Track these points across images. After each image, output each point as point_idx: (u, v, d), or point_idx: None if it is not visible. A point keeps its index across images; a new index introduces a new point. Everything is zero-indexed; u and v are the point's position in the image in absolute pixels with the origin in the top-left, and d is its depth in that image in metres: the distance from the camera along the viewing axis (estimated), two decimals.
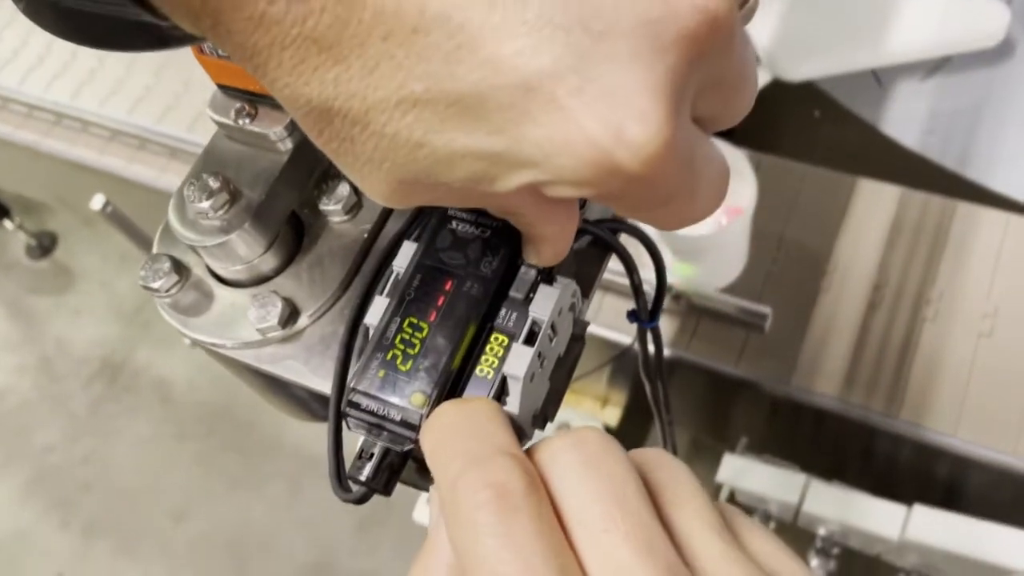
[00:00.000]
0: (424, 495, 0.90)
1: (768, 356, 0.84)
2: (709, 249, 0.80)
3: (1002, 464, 0.77)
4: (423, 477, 0.34)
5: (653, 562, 0.23)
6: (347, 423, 0.31)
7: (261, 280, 0.39)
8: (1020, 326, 0.81)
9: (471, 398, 0.29)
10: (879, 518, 0.64)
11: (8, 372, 1.91)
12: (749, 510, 0.80)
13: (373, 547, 1.59)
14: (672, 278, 0.85)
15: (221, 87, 0.37)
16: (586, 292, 0.37)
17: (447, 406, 0.28)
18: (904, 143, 0.94)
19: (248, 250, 0.37)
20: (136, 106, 1.05)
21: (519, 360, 0.31)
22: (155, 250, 0.40)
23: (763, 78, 1.00)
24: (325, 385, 0.36)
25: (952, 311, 0.83)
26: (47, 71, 1.10)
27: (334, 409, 0.33)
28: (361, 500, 0.32)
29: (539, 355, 0.31)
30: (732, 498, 0.77)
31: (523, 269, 0.32)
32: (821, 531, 0.77)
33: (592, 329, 0.87)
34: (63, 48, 1.13)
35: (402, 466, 0.32)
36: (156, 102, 1.05)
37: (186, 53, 0.36)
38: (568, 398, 1.01)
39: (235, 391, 1.82)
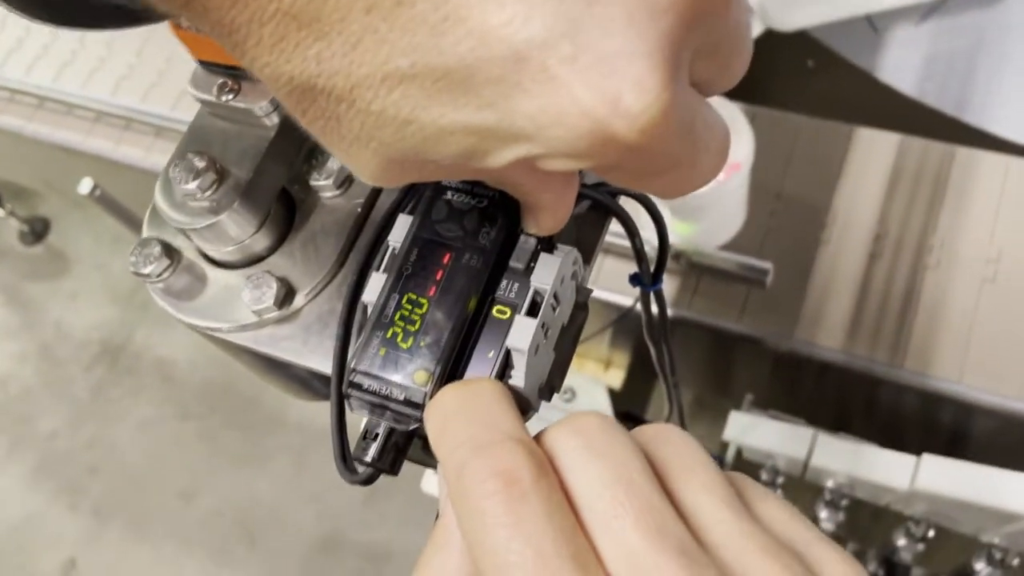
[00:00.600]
0: (430, 469, 0.90)
1: (770, 311, 0.83)
2: (708, 207, 0.79)
3: (1008, 409, 0.77)
4: (430, 455, 0.33)
5: (665, 544, 0.22)
6: (349, 404, 0.31)
7: (254, 260, 0.38)
8: (1023, 270, 0.81)
9: (474, 379, 0.29)
10: (888, 469, 0.64)
11: (9, 359, 1.90)
12: (757, 466, 0.80)
13: (381, 518, 1.59)
14: (672, 237, 0.83)
15: (202, 63, 0.36)
16: (587, 258, 0.36)
17: (448, 390, 0.27)
18: (901, 89, 0.93)
19: (239, 230, 0.36)
20: (119, 86, 1.04)
21: (522, 333, 0.30)
22: (144, 234, 0.39)
23: (756, 29, 0.98)
24: (325, 365, 0.36)
25: (954, 258, 0.82)
26: (27, 54, 1.08)
27: (335, 390, 0.32)
28: (368, 481, 0.32)
29: (543, 326, 0.31)
30: (739, 455, 0.77)
31: (522, 239, 0.31)
32: (829, 483, 0.77)
33: (595, 292, 0.87)
34: (41, 31, 1.10)
35: (408, 445, 0.31)
36: (139, 81, 1.04)
37: (167, 30, 0.35)
38: (572, 361, 1.01)
39: (236, 368, 1.81)
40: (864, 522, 0.83)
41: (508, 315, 0.30)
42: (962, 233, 0.83)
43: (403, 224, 0.32)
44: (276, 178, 0.37)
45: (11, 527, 1.72)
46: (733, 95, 0.88)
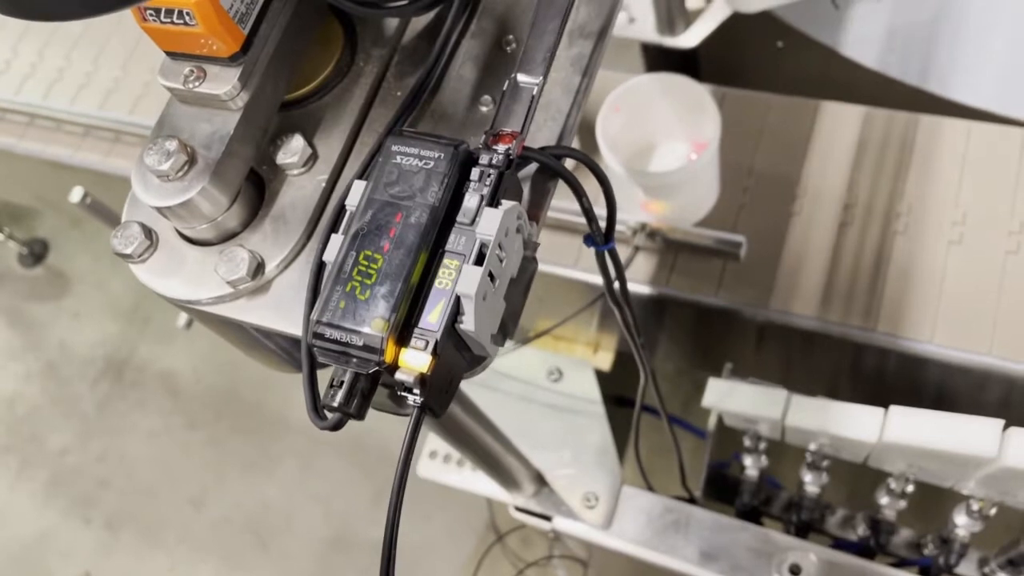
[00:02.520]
0: (426, 453, 0.93)
1: (746, 283, 0.86)
2: (679, 184, 0.82)
3: (980, 365, 0.79)
4: (397, 402, 0.36)
5: None
6: (316, 354, 0.33)
7: (227, 237, 0.40)
8: (988, 230, 0.83)
9: None
10: (859, 423, 0.67)
11: (16, 380, 1.93)
12: (740, 433, 0.82)
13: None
14: (647, 216, 0.86)
15: (169, 54, 0.39)
16: (535, 216, 0.38)
17: None
18: (865, 63, 0.95)
19: (211, 208, 0.39)
20: (107, 99, 1.07)
21: (469, 279, 0.32)
22: (124, 218, 0.41)
23: (723, 12, 1.01)
24: (297, 329, 0.38)
25: (921, 222, 0.85)
26: (15, 74, 1.11)
27: (304, 343, 0.35)
28: (336, 426, 0.34)
29: (489, 274, 0.33)
30: (720, 421, 0.79)
31: (467, 196, 0.34)
32: (811, 446, 0.79)
33: (574, 274, 0.90)
34: (29, 50, 1.13)
35: (372, 391, 0.34)
36: (126, 94, 1.07)
37: (151, 44, 0.38)
38: (560, 345, 1.04)
39: (239, 375, 1.85)
40: (847, 483, 0.85)
41: (457, 265, 0.33)
42: (928, 198, 0.86)
43: (358, 189, 0.35)
44: (244, 157, 0.39)
45: (26, 544, 1.75)
46: (704, 78, 0.91)
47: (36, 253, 2.01)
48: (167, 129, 0.39)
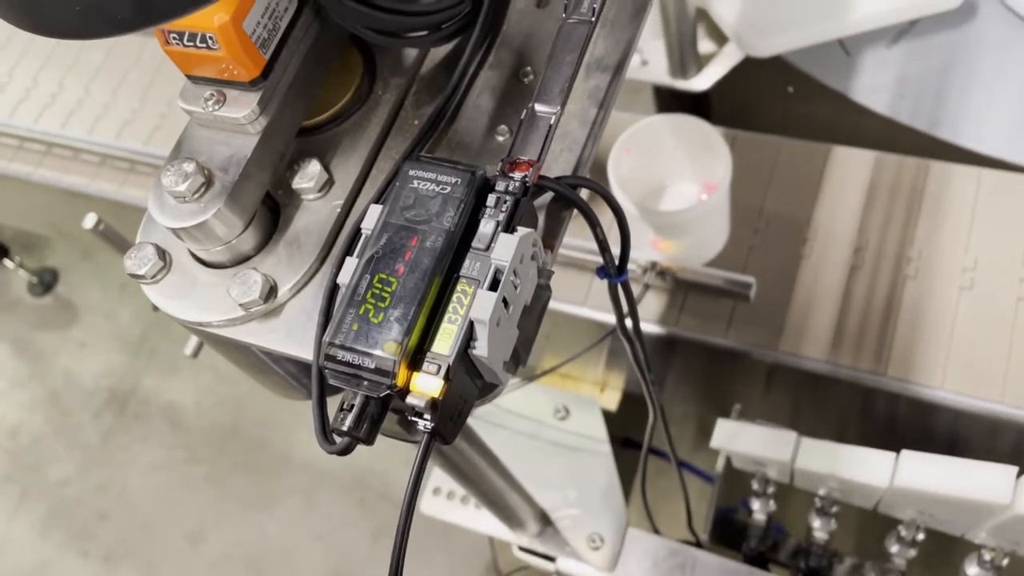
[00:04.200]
0: (430, 490, 0.92)
1: (756, 324, 0.86)
2: (689, 224, 0.82)
3: (992, 413, 0.78)
4: (406, 428, 0.35)
5: None
6: (327, 377, 0.33)
7: (241, 260, 0.41)
8: (999, 276, 0.83)
9: None
10: (869, 467, 0.66)
11: (20, 409, 1.93)
12: (748, 476, 0.81)
13: (389, 555, 1.60)
14: (658, 256, 0.86)
15: (190, 77, 0.39)
16: (550, 245, 0.38)
17: None
18: (875, 109, 0.96)
19: (226, 230, 0.39)
20: (123, 130, 1.08)
21: (484, 305, 0.32)
22: (139, 239, 0.42)
23: (735, 56, 1.02)
24: (308, 354, 0.38)
25: (932, 267, 0.85)
26: (35, 103, 1.13)
27: (315, 366, 0.35)
28: (345, 451, 0.34)
29: (504, 300, 0.33)
30: (728, 464, 0.78)
31: (483, 221, 0.34)
32: (820, 491, 0.78)
33: (583, 311, 0.89)
34: (50, 79, 1.15)
35: (382, 415, 0.33)
36: (143, 125, 1.08)
37: (169, 76, 0.38)
38: (567, 383, 1.03)
39: (243, 410, 1.84)
40: (857, 530, 0.84)
41: (471, 291, 0.33)
42: (939, 243, 0.86)
43: (374, 213, 0.35)
44: (261, 181, 0.40)
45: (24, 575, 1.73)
46: (717, 121, 0.91)
47: (46, 283, 2.02)
48: (185, 151, 0.39)
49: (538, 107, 0.38)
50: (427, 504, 0.89)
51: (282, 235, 0.41)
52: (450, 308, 0.33)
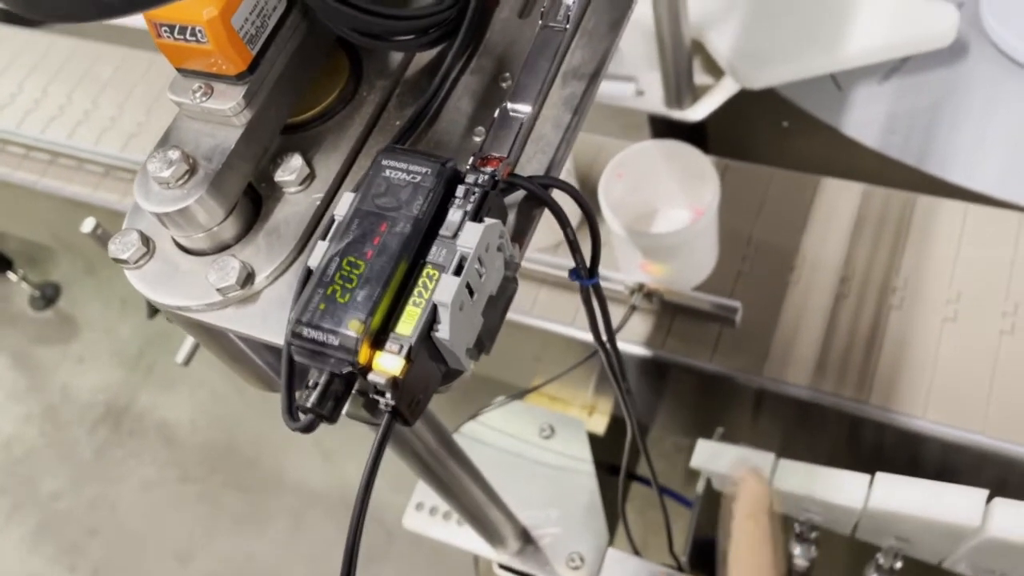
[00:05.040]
0: (412, 505, 0.92)
1: (741, 350, 0.86)
2: (676, 247, 0.83)
3: (973, 443, 0.79)
4: (373, 413, 0.36)
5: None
6: (294, 353, 0.34)
7: (221, 248, 0.42)
8: (982, 309, 0.84)
9: (760, 474, 0.63)
10: (846, 488, 0.66)
11: (15, 421, 1.93)
12: (729, 498, 0.82)
13: None
14: (646, 278, 0.87)
15: (180, 70, 0.41)
16: (519, 241, 0.40)
17: (754, 480, 0.66)
18: (866, 143, 0.98)
19: (207, 217, 0.40)
20: (129, 142, 1.10)
21: (447, 288, 0.33)
22: (124, 226, 0.43)
23: (730, 89, 1.04)
24: (282, 339, 0.39)
25: (917, 298, 0.86)
26: (43, 114, 1.15)
27: (285, 345, 0.36)
28: (308, 428, 0.35)
29: (467, 286, 0.34)
30: (709, 485, 0.79)
31: (451, 210, 0.35)
32: (800, 516, 0.79)
33: (572, 332, 0.90)
34: (59, 92, 1.18)
35: (345, 394, 0.34)
36: (148, 137, 1.10)
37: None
38: (555, 406, 1.04)
39: (237, 430, 1.84)
40: (837, 560, 0.84)
41: (437, 275, 0.34)
42: (924, 275, 0.87)
43: (347, 199, 0.36)
44: (243, 172, 0.41)
45: None
46: (712, 152, 0.93)
47: (48, 296, 2.04)
48: (172, 141, 0.41)
49: (511, 107, 0.39)
50: (409, 519, 0.90)
51: (262, 225, 0.42)
52: (415, 292, 0.34)
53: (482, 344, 0.36)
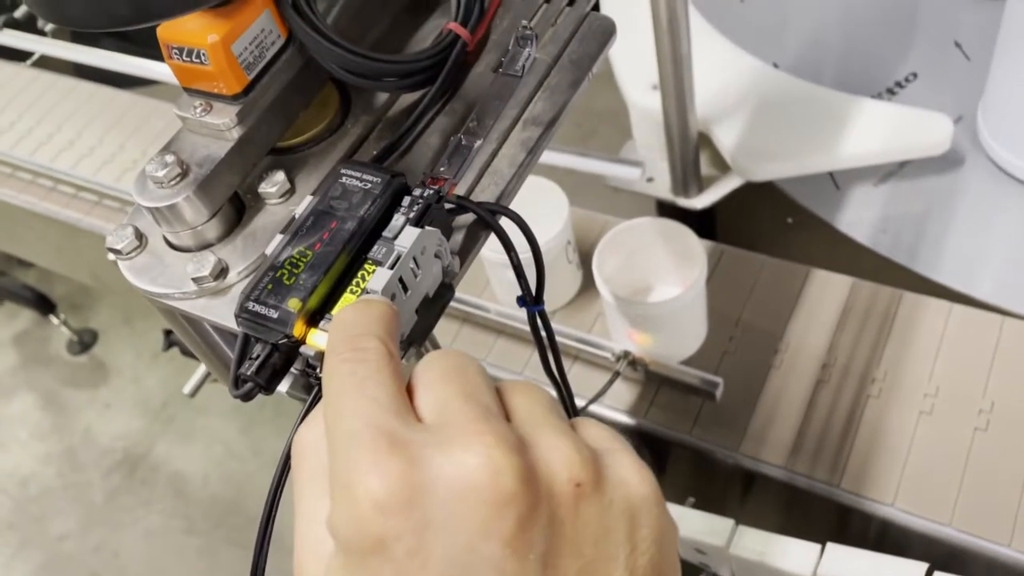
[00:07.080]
0: None
1: (720, 425, 0.89)
2: (662, 318, 0.87)
3: (939, 535, 0.79)
4: (307, 391, 0.40)
5: (473, 403, 0.29)
6: (239, 324, 0.38)
7: (204, 246, 0.47)
8: (959, 405, 0.85)
9: (371, 298, 0.36)
10: (797, 556, 0.67)
11: (35, 460, 1.99)
12: (693, 568, 0.83)
13: None
14: (632, 347, 0.91)
15: (186, 90, 0.47)
16: (463, 258, 0.44)
17: (349, 306, 0.34)
18: (858, 240, 1.01)
19: (193, 215, 0.45)
20: None
21: (379, 279, 0.38)
22: (124, 222, 0.48)
23: (734, 182, 1.09)
24: None
25: (895, 390, 0.88)
26: (96, 158, 1.24)
27: (234, 316, 0.40)
28: (247, 396, 0.39)
29: (400, 281, 0.39)
30: None
31: (395, 216, 0.40)
32: None
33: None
34: (113, 142, 1.27)
35: (284, 368, 0.39)
36: None
37: None
38: None
39: (246, 487, 1.88)
40: None
41: (373, 269, 0.39)
42: (904, 368, 0.89)
43: (307, 201, 0.41)
44: (228, 181, 0.46)
45: None
46: (723, 240, 0.98)
47: (85, 343, 2.12)
48: (171, 148, 0.47)
49: (463, 138, 0.44)
50: None
51: (243, 230, 0.47)
52: (353, 282, 0.39)
53: (415, 339, 0.41)
